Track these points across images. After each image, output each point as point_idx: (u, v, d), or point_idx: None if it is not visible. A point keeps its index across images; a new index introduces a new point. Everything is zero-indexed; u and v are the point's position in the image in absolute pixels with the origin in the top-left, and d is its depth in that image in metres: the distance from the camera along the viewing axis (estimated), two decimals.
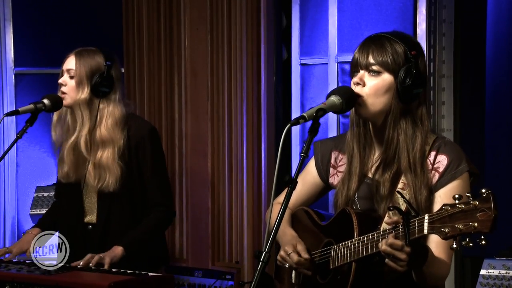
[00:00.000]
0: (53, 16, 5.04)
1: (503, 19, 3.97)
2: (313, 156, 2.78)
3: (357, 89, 2.47)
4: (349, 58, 2.81)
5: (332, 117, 4.28)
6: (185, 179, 4.74)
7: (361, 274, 2.40)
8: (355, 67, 2.50)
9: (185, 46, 4.73)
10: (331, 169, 2.72)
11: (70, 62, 3.41)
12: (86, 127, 3.40)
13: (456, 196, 2.05)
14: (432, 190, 2.46)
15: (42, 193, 4.81)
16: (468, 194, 2.03)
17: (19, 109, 3.40)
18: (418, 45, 2.52)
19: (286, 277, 2.74)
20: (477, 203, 2.00)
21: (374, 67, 2.46)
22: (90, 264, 3.17)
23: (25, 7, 5.02)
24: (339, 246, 2.47)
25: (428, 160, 2.48)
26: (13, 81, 5.01)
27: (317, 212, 2.73)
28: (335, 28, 4.31)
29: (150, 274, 3.00)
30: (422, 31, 4.02)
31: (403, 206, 2.31)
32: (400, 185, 2.48)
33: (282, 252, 2.59)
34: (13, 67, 5.01)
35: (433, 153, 2.48)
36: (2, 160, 3.51)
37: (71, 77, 3.40)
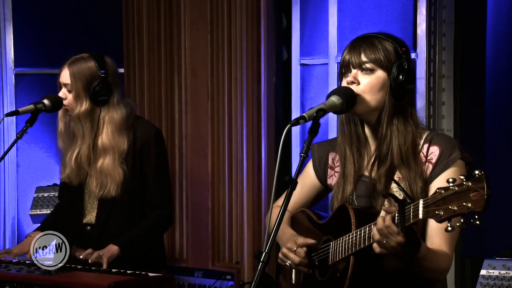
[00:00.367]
0: (53, 17, 5.04)
1: (503, 19, 3.98)
2: (311, 159, 2.78)
3: (352, 88, 2.47)
4: None
5: (332, 117, 4.28)
6: (185, 179, 4.74)
7: (360, 269, 2.40)
8: (346, 67, 2.50)
9: (185, 46, 4.73)
10: (329, 170, 2.73)
11: (65, 76, 3.41)
12: (88, 138, 3.42)
13: (450, 179, 2.06)
14: (427, 182, 2.46)
15: (42, 193, 4.81)
16: (462, 177, 2.03)
17: (19, 109, 3.41)
18: (404, 43, 2.54)
19: (287, 278, 2.74)
20: (470, 183, 2.01)
21: (368, 65, 2.47)
22: (89, 261, 3.19)
23: (25, 7, 5.02)
24: (337, 242, 2.47)
25: (421, 153, 2.49)
26: (13, 81, 5.01)
27: (316, 213, 2.74)
28: (335, 29, 4.31)
29: (150, 274, 3.00)
30: (422, 31, 4.02)
31: (400, 196, 2.31)
32: (395, 179, 2.49)
33: (284, 249, 2.59)
34: (13, 67, 5.01)
35: (425, 146, 2.49)
36: (2, 160, 3.52)
37: (69, 91, 3.41)
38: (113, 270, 3.09)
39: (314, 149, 2.76)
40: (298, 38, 4.49)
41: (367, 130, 2.57)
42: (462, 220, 2.01)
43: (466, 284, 4.05)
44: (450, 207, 2.04)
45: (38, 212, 4.76)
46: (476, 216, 1.99)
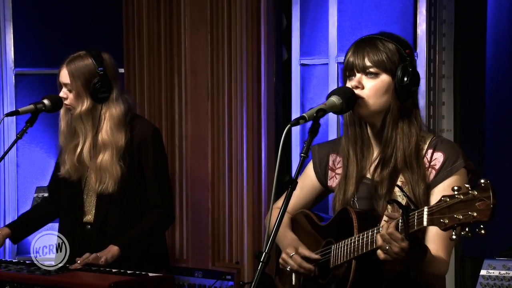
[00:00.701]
0: (53, 16, 5.03)
1: (503, 19, 3.97)
2: (311, 160, 2.78)
3: (356, 92, 2.47)
4: None
5: (332, 117, 4.28)
6: (185, 179, 4.74)
7: (361, 273, 2.40)
8: (350, 71, 2.50)
9: (185, 46, 4.73)
10: (330, 172, 2.72)
11: (64, 76, 3.41)
12: (90, 135, 3.43)
13: (455, 187, 2.05)
14: (429, 186, 2.46)
15: (42, 193, 4.81)
16: (467, 186, 2.03)
17: (19, 109, 3.41)
18: (408, 43, 2.54)
19: (287, 280, 2.73)
20: (476, 192, 2.00)
21: (372, 69, 2.46)
22: (86, 261, 3.18)
23: (25, 7, 5.02)
24: (339, 245, 2.46)
25: (425, 158, 2.48)
26: (13, 81, 5.00)
27: (316, 214, 2.73)
28: (335, 29, 4.31)
29: (150, 274, 3.00)
30: (422, 31, 4.02)
31: (403, 201, 2.31)
32: (398, 183, 2.48)
33: (284, 255, 2.59)
34: (13, 67, 5.01)
35: (430, 151, 2.48)
36: (2, 160, 3.52)
37: (70, 91, 3.41)
38: (113, 270, 3.09)
39: (314, 150, 2.76)
40: (298, 38, 4.49)
41: (370, 133, 2.56)
42: (467, 229, 2.01)
43: (466, 284, 4.04)
44: (455, 215, 2.04)
45: None
46: (482, 226, 1.98)
